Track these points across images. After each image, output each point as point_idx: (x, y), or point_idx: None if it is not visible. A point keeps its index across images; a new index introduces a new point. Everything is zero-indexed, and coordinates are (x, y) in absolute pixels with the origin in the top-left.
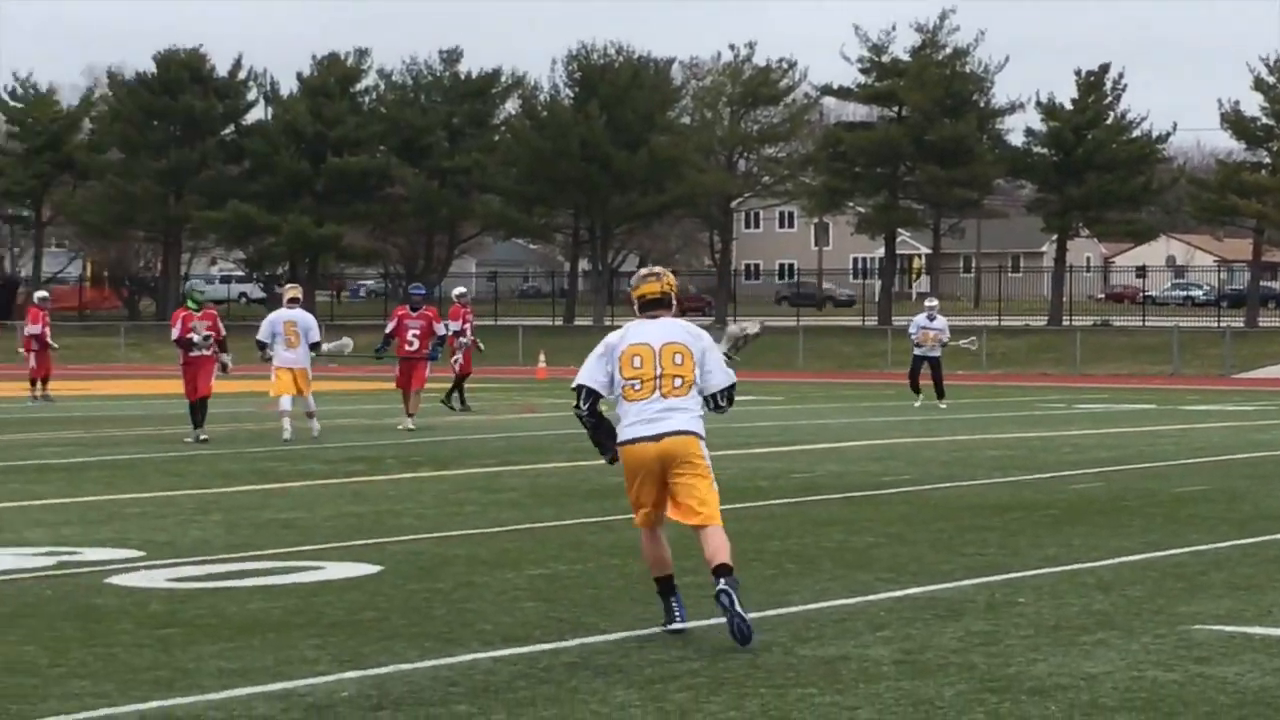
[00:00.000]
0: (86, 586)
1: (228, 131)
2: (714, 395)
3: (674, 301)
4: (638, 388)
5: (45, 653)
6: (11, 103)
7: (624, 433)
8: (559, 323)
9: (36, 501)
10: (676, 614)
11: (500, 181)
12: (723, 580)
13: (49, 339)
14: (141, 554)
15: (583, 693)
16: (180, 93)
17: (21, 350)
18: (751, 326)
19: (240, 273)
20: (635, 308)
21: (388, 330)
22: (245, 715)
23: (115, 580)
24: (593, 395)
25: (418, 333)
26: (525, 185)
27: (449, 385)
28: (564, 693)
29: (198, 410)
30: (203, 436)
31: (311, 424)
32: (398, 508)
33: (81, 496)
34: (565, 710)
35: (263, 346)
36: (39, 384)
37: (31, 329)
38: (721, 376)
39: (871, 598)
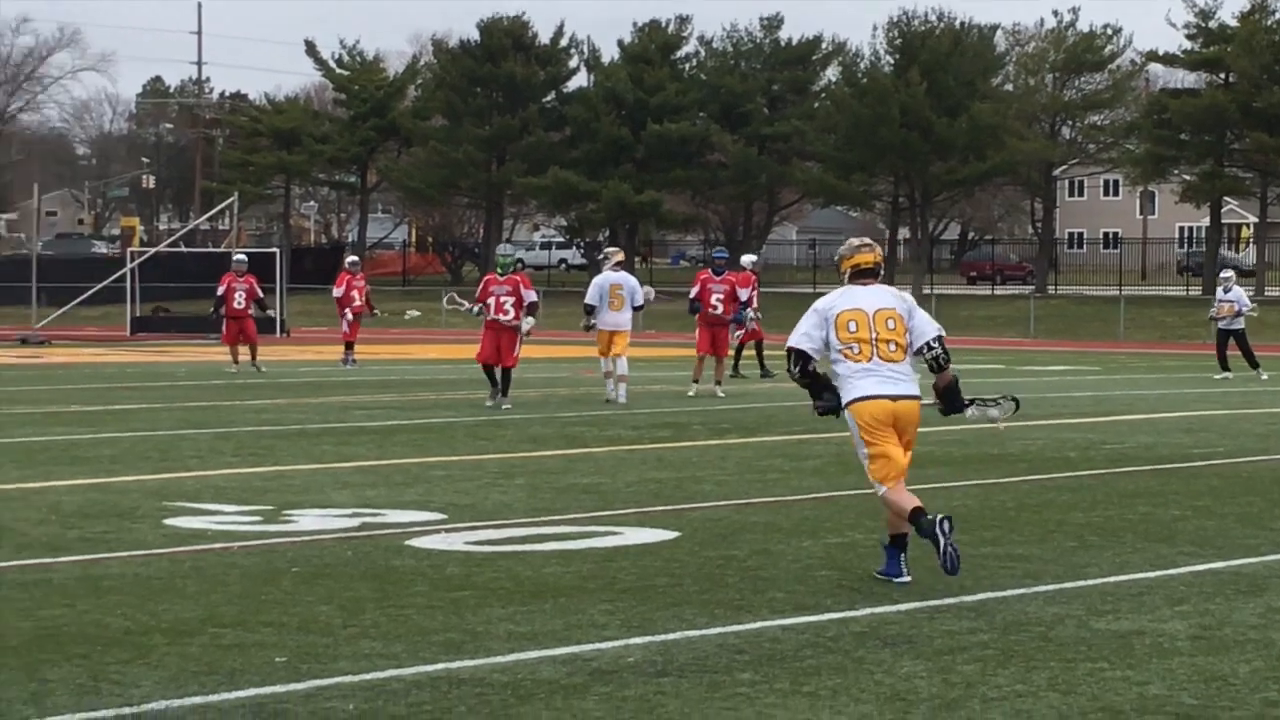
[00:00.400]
0: (386, 548)
1: (549, 98)
2: (928, 346)
3: (881, 271)
4: (856, 350)
5: (340, 613)
6: (339, 71)
7: (857, 389)
8: None
9: (346, 464)
10: (905, 571)
11: (820, 148)
12: (938, 515)
13: (364, 304)
14: (443, 517)
15: (869, 663)
16: (503, 60)
17: (349, 314)
18: (995, 411)
19: (560, 239)
20: (845, 276)
21: (691, 295)
22: (530, 679)
23: (415, 543)
24: (805, 358)
25: (721, 297)
26: (845, 152)
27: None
28: (850, 662)
29: (498, 377)
30: (505, 405)
31: (619, 390)
32: (700, 474)
33: (389, 459)
34: (849, 680)
35: (590, 310)
36: (349, 348)
37: (337, 292)
38: (930, 327)
39: (1172, 571)
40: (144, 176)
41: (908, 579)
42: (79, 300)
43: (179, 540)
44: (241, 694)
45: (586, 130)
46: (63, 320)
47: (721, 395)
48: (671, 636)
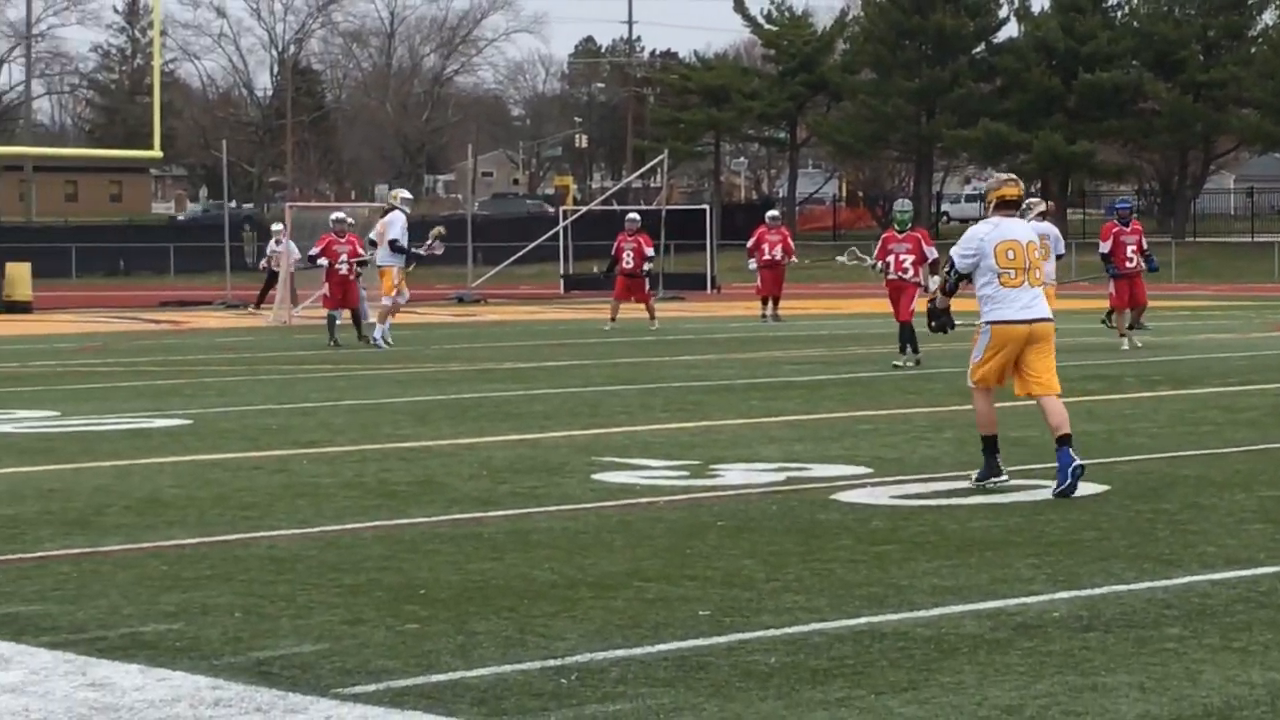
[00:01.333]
0: (811, 502)
1: (979, 49)
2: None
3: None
4: (1013, 276)
5: (763, 567)
6: (768, 26)
7: (999, 313)
8: None
9: (774, 418)
10: (1001, 471)
11: (1257, 94)
12: (1070, 449)
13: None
14: (869, 471)
15: None
16: (931, 12)
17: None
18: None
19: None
20: (990, 206)
21: (1103, 250)
22: (953, 633)
23: (840, 497)
24: (960, 278)
25: (1135, 248)
26: None
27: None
28: None
29: (903, 335)
30: (909, 364)
31: None
32: (1131, 426)
33: (817, 414)
34: None
35: None
36: (769, 303)
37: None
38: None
39: None
40: (576, 136)
41: (1004, 477)
42: (513, 259)
43: (606, 495)
44: (665, 647)
45: (1017, 81)
46: (497, 279)
47: (1138, 345)
48: (1098, 591)
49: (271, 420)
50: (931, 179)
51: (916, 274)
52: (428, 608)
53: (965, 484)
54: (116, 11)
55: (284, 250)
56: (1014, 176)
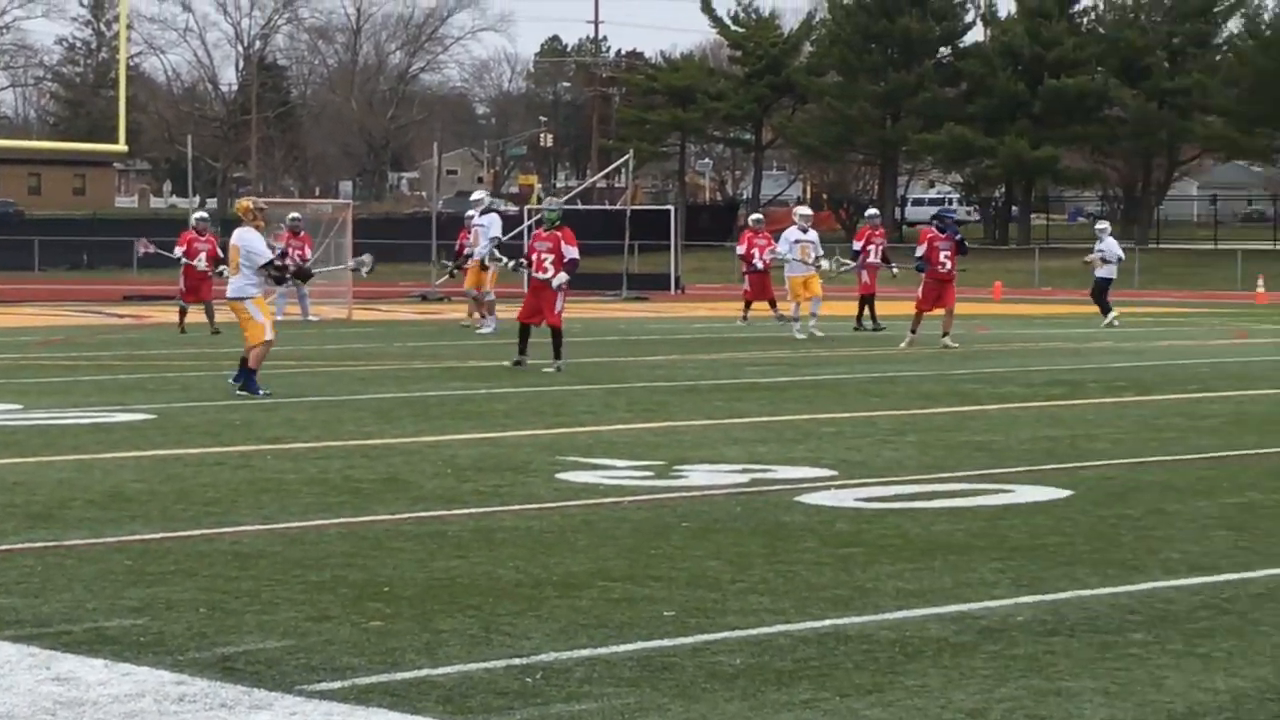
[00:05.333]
0: (775, 504)
1: (945, 53)
2: None
3: None
4: None
5: (728, 568)
6: (734, 28)
7: None
8: None
9: (738, 420)
10: None
11: (1222, 102)
12: None
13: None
14: (834, 473)
15: (1265, 625)
16: (898, 15)
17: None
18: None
19: (956, 195)
20: None
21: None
22: (918, 636)
23: (804, 499)
24: None
25: (949, 254)
26: (1247, 105)
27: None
28: (1246, 624)
29: (531, 339)
30: (559, 367)
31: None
32: (1094, 432)
33: (781, 415)
34: (1245, 643)
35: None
36: (749, 306)
37: (740, 249)
38: None
39: None
40: (542, 135)
41: None
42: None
43: (571, 494)
44: (630, 647)
45: (982, 85)
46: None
47: (954, 346)
48: (1062, 596)
49: (234, 415)
50: (896, 182)
51: (556, 273)
52: (392, 605)
53: (929, 487)
54: (82, 4)
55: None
56: None
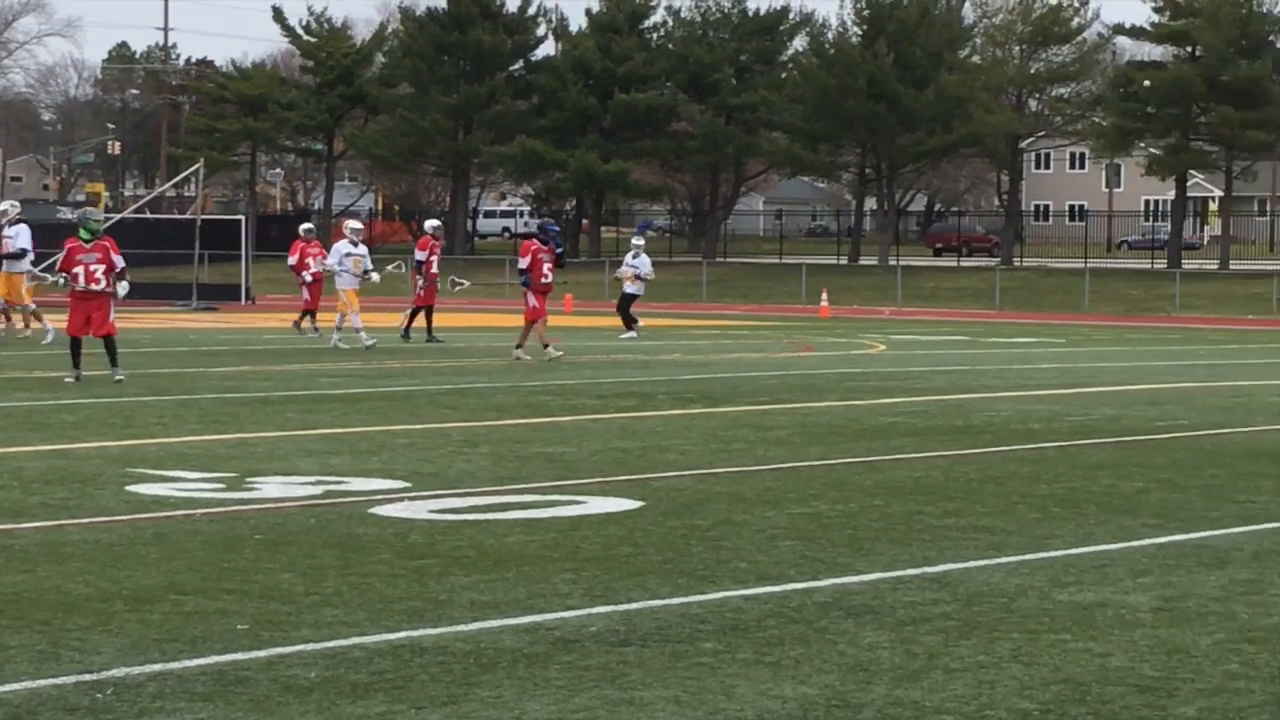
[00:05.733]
0: (349, 516)
1: (516, 67)
2: None
3: None
4: None
5: (302, 580)
6: (306, 37)
7: None
8: (844, 261)
9: (311, 431)
10: None
11: (787, 119)
12: None
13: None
14: (407, 485)
15: (831, 633)
16: (470, 28)
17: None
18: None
19: (527, 208)
20: None
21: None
22: (492, 647)
23: (378, 510)
24: None
25: (551, 266)
26: (812, 123)
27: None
28: (813, 633)
29: (82, 352)
30: (119, 377)
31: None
32: (665, 444)
33: (353, 427)
34: (812, 650)
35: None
36: (310, 316)
37: (291, 260)
38: None
39: (1135, 544)
40: (109, 143)
41: None
42: (44, 266)
43: (141, 507)
44: (203, 661)
45: (554, 99)
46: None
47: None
48: (634, 606)
49: None
50: (468, 194)
51: (109, 284)
52: None
53: (503, 499)
54: None
55: None
56: None
